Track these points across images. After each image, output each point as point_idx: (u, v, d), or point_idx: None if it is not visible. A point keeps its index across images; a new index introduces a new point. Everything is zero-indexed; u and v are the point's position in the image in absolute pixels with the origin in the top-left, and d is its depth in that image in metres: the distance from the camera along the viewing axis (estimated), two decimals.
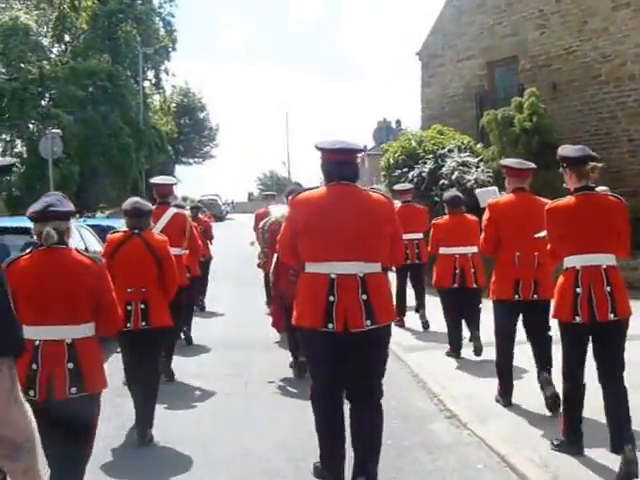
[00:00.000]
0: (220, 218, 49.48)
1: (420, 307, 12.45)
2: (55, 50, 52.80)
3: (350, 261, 5.19)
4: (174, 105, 75.76)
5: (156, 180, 10.19)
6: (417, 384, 9.18)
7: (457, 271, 9.94)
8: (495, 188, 9.76)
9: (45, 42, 51.73)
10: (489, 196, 8.28)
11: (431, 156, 18.22)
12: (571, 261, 5.89)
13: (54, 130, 27.62)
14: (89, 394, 4.88)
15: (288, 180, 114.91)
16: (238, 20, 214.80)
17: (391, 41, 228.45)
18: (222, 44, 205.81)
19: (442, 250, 10.20)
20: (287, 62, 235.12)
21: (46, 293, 4.83)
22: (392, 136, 21.85)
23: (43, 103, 44.69)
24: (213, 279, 16.13)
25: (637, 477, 5.32)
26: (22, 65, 42.69)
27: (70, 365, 4.80)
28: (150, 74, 58.94)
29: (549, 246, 6.24)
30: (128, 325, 6.86)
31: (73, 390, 4.78)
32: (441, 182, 17.32)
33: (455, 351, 10.19)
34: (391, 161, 19.12)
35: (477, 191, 9.86)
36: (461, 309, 10.17)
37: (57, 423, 4.46)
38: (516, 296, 7.28)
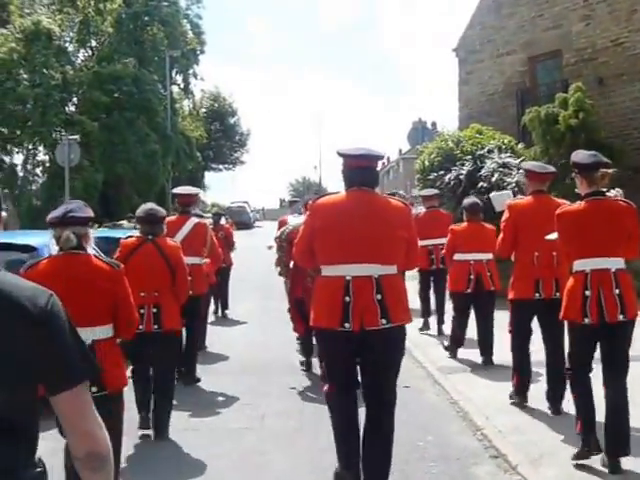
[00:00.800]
0: (248, 225, 48.31)
1: (440, 317, 12.59)
2: (80, 55, 52.03)
3: (365, 263, 5.36)
4: (204, 110, 75.01)
5: (178, 190, 10.64)
6: (457, 414, 8.18)
7: (472, 277, 10.06)
8: (510, 192, 10.05)
9: (70, 48, 50.98)
10: (504, 199, 8.70)
11: (469, 157, 16.88)
12: (580, 265, 6.08)
13: (71, 137, 26.39)
14: (108, 393, 4.99)
15: (319, 186, 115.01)
16: (269, 25, 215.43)
17: (426, 39, 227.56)
18: (253, 49, 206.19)
19: (457, 256, 10.32)
20: (319, 66, 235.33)
21: (63, 297, 4.11)
22: (428, 137, 20.59)
23: (67, 110, 43.81)
24: (235, 288, 16.12)
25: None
26: (45, 71, 41.80)
27: None
28: (178, 78, 57.87)
29: (562, 252, 6.62)
30: (140, 327, 6.76)
31: (93, 389, 4.52)
32: (480, 185, 15.98)
33: (454, 350, 10.55)
34: (426, 163, 17.80)
35: (492, 195, 10.00)
36: (471, 314, 10.46)
37: None
38: (537, 295, 7.48)
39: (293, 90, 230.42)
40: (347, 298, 5.33)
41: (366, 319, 5.30)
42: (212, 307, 14.32)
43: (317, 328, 5.70)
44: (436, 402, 8.74)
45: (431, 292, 12.84)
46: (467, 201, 10.81)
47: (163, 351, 7.40)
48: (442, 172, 16.85)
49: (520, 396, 7.91)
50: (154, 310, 7.32)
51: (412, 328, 11.14)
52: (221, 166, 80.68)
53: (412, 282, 14.98)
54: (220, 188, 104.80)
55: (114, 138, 42.47)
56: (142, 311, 7.09)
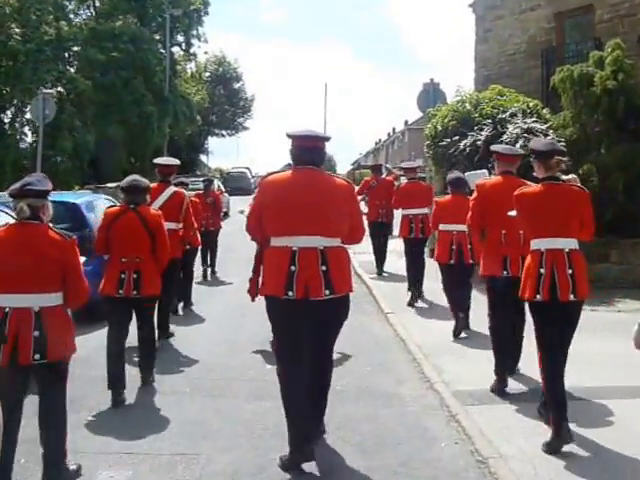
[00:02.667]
0: (248, 192, 46.25)
1: (418, 282, 13.14)
2: (82, 13, 49.91)
3: (311, 235, 5.75)
4: (207, 74, 72.77)
5: (159, 160, 11.19)
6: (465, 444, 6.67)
7: (454, 247, 10.50)
8: (485, 171, 10.24)
9: (71, 5, 48.79)
10: (478, 178, 8.96)
11: (489, 121, 14.75)
12: (536, 244, 6.40)
13: (47, 90, 24.33)
14: (50, 361, 5.28)
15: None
16: None
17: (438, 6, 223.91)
18: (260, 19, 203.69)
19: (441, 227, 10.81)
20: (326, 37, 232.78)
21: (14, 263, 5.28)
22: (440, 100, 18.24)
23: (60, 67, 41.46)
24: (225, 250, 17.08)
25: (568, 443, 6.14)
26: (39, 26, 39.63)
27: (36, 333, 5.23)
28: (180, 39, 55.53)
29: (522, 230, 6.97)
30: (120, 292, 7.60)
31: (37, 357, 5.21)
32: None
33: (456, 327, 10.42)
34: (439, 128, 15.65)
35: (467, 173, 10.55)
36: (457, 284, 10.66)
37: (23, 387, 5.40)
38: (504, 272, 7.79)
39: (299, 59, 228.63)
40: (293, 267, 5.66)
41: (310, 289, 5.65)
42: (200, 270, 15.89)
43: (264, 295, 5.96)
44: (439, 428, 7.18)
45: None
46: (451, 176, 11.20)
47: (143, 314, 8.02)
48: (457, 137, 14.77)
49: (499, 382, 7.87)
50: (134, 276, 7.67)
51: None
52: (224, 131, 78.52)
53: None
54: (224, 154, 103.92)
55: (108, 98, 40.56)
56: (123, 276, 7.64)
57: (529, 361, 7.62)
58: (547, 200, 6.35)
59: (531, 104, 15.44)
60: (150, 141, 42.88)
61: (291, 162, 8.63)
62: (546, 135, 14.11)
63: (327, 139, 6.28)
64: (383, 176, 16.82)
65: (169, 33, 47.07)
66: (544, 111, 15.46)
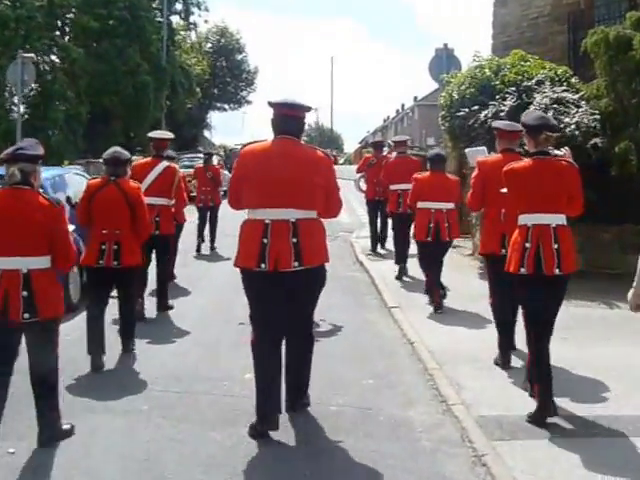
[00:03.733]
0: None
1: (403, 258, 13.25)
2: None
3: (283, 208, 5.77)
4: (209, 46, 70.87)
5: (152, 134, 11.10)
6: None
7: (431, 225, 10.47)
8: (484, 148, 9.95)
9: None
10: (478, 155, 8.85)
11: (513, 90, 12.96)
12: (524, 219, 6.44)
13: (27, 54, 22.56)
14: (40, 320, 5.50)
15: (331, 132, 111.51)
16: None
17: None
18: None
19: (420, 204, 10.72)
20: (333, 14, 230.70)
21: (4, 227, 5.45)
22: (455, 67, 16.42)
23: (52, 35, 39.51)
24: (225, 226, 16.06)
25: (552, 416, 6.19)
26: None
27: (24, 293, 5.44)
28: (179, 7, 53.55)
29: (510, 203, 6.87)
30: (100, 262, 7.89)
31: (26, 316, 5.44)
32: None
33: (437, 302, 10.52)
34: (455, 96, 13.86)
35: (467, 150, 10.17)
36: (433, 260, 10.77)
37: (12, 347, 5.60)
38: (503, 250, 7.52)
39: (307, 35, 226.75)
40: (265, 240, 5.74)
41: (280, 261, 5.71)
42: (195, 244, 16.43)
43: (238, 267, 5.99)
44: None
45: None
46: (431, 152, 11.55)
47: (123, 284, 8.19)
48: (476, 107, 12.98)
49: (503, 357, 7.88)
50: (114, 247, 7.86)
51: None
52: (226, 105, 76.50)
53: None
54: (228, 130, 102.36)
55: (102, 67, 38.74)
56: (103, 247, 7.86)
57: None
58: (535, 175, 6.36)
59: (559, 71, 13.65)
60: (146, 113, 41.08)
61: None
62: (578, 107, 12.37)
63: (308, 109, 6.28)
64: (384, 153, 16.18)
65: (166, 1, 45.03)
66: (573, 79, 13.67)
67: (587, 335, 9.19)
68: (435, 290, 10.63)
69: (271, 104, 6.10)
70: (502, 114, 12.50)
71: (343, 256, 16.19)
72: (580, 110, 12.23)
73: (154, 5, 47.37)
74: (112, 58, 38.96)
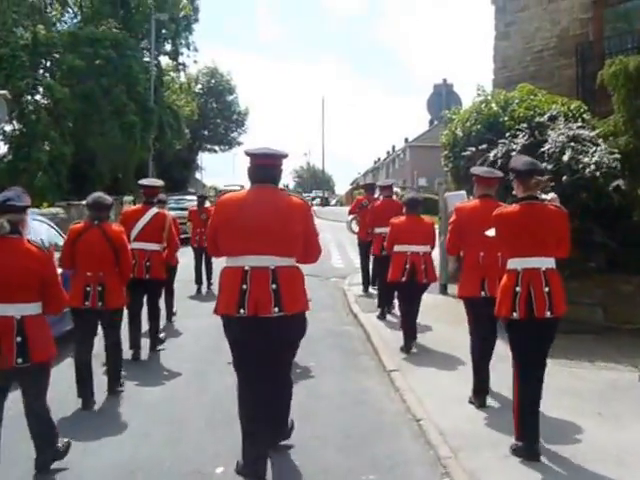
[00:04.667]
0: None
1: (386, 301, 13.32)
2: (66, 18, 47.03)
3: (263, 255, 5.83)
4: (199, 87, 69.96)
5: (143, 182, 11.28)
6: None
7: (407, 266, 10.57)
8: (463, 192, 10.85)
9: (53, 12, 45.95)
10: (457, 200, 9.60)
11: (524, 126, 11.77)
12: (513, 263, 6.54)
13: (1, 91, 21.36)
14: (34, 364, 5.69)
15: (322, 173, 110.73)
16: (276, 14, 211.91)
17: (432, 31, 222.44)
18: (256, 37, 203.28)
19: (396, 248, 10.81)
20: (323, 55, 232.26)
21: None
22: (454, 104, 15.16)
23: (37, 74, 38.30)
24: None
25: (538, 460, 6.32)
26: (14, 29, 36.71)
27: (18, 339, 5.62)
28: (167, 47, 52.36)
29: (501, 251, 7.11)
30: (86, 304, 8.04)
31: (19, 361, 5.62)
32: (543, 166, 10.99)
33: (407, 344, 10.63)
34: (459, 134, 12.72)
35: (446, 195, 11.61)
36: (409, 300, 10.83)
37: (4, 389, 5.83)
38: (482, 293, 7.88)
39: (296, 76, 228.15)
40: (244, 286, 5.79)
41: (260, 307, 5.75)
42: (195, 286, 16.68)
43: (219, 314, 6.01)
44: None
45: None
46: (407, 196, 11.71)
47: (108, 325, 8.47)
48: (484, 146, 11.79)
49: (477, 397, 8.01)
50: (99, 288, 8.09)
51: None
52: (216, 147, 75.45)
53: None
54: (219, 171, 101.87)
55: (87, 107, 37.51)
56: (88, 289, 8.08)
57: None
58: (525, 220, 6.46)
59: (572, 106, 12.49)
60: (132, 154, 39.81)
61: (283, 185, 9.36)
62: (596, 145, 11.17)
63: (283, 157, 6.21)
64: (376, 196, 15.77)
65: (154, 39, 43.84)
66: (586, 115, 12.50)
67: (621, 410, 7.95)
68: (408, 334, 10.69)
69: (248, 154, 6.13)
70: (513, 153, 11.30)
71: (335, 306, 15.07)
72: (599, 149, 11.02)
73: (142, 45, 46.33)
74: (98, 98, 37.75)
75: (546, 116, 11.92)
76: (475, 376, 8.07)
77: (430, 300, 12.61)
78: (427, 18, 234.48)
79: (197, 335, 11.98)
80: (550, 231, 6.47)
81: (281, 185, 8.45)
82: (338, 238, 29.77)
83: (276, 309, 5.75)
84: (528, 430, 6.40)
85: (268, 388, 6.01)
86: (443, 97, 16.52)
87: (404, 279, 10.54)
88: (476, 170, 8.58)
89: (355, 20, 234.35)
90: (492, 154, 11.56)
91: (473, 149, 12.03)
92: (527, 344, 6.42)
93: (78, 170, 37.51)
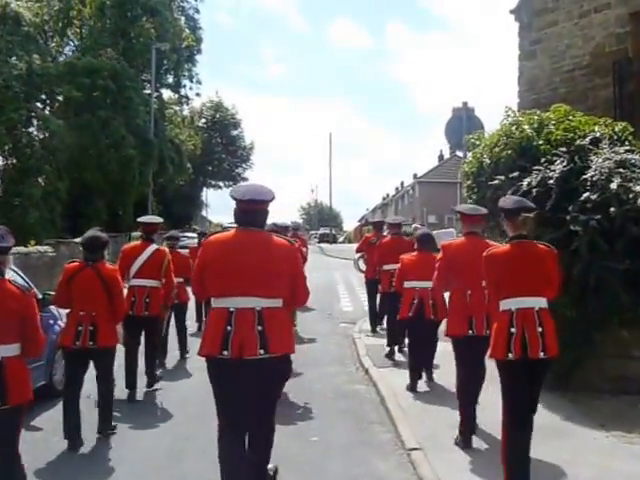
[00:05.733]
0: None
1: (395, 339, 12.83)
2: (65, 48, 45.88)
3: (248, 296, 5.74)
4: (203, 121, 68.72)
5: (142, 219, 11.34)
6: None
7: (415, 301, 10.35)
8: (452, 230, 11.60)
9: (52, 43, 44.81)
10: (447, 237, 10.14)
11: (563, 150, 10.04)
12: (506, 304, 6.42)
13: None
14: (11, 407, 5.54)
15: (330, 210, 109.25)
16: (281, 54, 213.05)
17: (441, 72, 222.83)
18: (262, 77, 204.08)
19: (406, 284, 10.64)
20: (330, 95, 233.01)
21: None
22: (476, 129, 13.39)
23: (32, 106, 36.70)
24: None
25: None
26: (8, 59, 35.32)
27: None
28: (169, 78, 50.98)
29: (487, 290, 7.09)
30: (77, 343, 7.99)
31: None
32: (585, 196, 9.27)
33: (412, 384, 10.39)
34: (486, 161, 10.98)
35: (434, 232, 11.26)
36: (420, 340, 10.51)
37: None
38: (470, 331, 7.81)
39: (302, 114, 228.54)
40: (229, 327, 5.67)
41: (245, 348, 5.62)
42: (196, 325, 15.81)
43: (202, 356, 5.88)
44: None
45: None
46: (419, 232, 11.46)
47: (99, 364, 8.25)
48: (516, 174, 10.06)
49: (464, 440, 7.81)
50: (91, 328, 8.00)
51: None
52: (221, 182, 74.10)
53: None
54: (225, 208, 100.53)
55: (84, 140, 36.02)
56: (80, 328, 8.02)
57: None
58: (515, 260, 6.43)
59: (617, 127, 10.76)
60: (131, 189, 38.26)
61: (275, 222, 9.27)
62: None
63: (268, 201, 6.10)
64: (385, 233, 15.45)
65: (155, 69, 42.33)
66: (631, 138, 10.79)
67: None
68: (415, 374, 10.46)
69: (233, 198, 6.06)
70: (551, 182, 9.61)
71: (344, 360, 13.30)
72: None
73: (143, 77, 44.97)
74: (95, 130, 36.38)
75: (587, 139, 10.19)
76: (461, 416, 7.97)
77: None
78: (435, 49, 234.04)
79: (194, 375, 11.47)
80: (541, 270, 6.46)
81: (289, 222, 9.33)
82: (347, 278, 28.17)
83: (262, 351, 5.67)
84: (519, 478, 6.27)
85: (250, 434, 5.94)
86: (463, 122, 14.80)
87: (411, 314, 10.39)
88: (460, 208, 8.74)
89: (360, 55, 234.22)
90: (525, 183, 9.80)
91: (502, 178, 10.28)
92: (520, 386, 6.32)
93: (73, 206, 36.08)
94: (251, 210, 5.97)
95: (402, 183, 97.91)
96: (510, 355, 6.25)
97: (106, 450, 7.89)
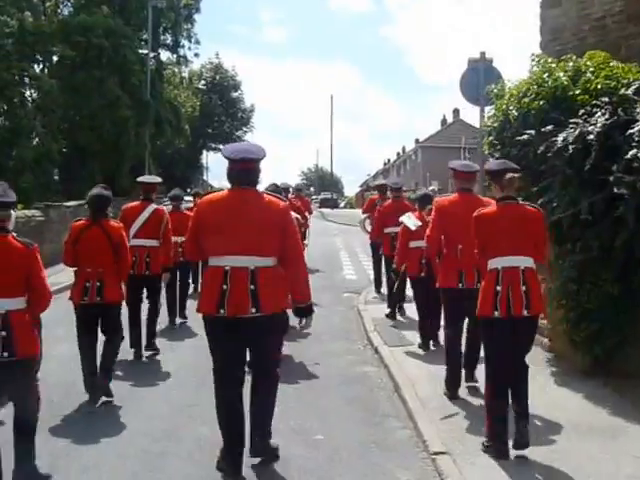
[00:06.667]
0: None
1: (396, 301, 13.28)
2: (61, 10, 44.16)
3: (242, 255, 5.90)
4: (203, 83, 67.21)
5: (142, 179, 11.59)
6: None
7: (423, 261, 10.38)
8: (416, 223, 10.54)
9: (48, 2, 43.14)
10: (409, 219, 10.73)
11: (604, 101, 8.76)
12: (493, 263, 6.58)
13: None
14: (20, 359, 5.65)
15: (331, 175, 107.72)
16: (279, 15, 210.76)
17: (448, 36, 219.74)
18: (263, 39, 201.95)
19: (411, 244, 10.70)
20: (330, 58, 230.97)
21: None
22: (494, 80, 11.93)
23: (23, 65, 35.20)
24: None
25: (527, 447, 6.24)
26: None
27: (3, 333, 5.60)
28: (169, 41, 49.34)
29: (476, 249, 6.92)
30: (85, 299, 8.19)
31: (5, 355, 5.58)
32: (631, 154, 7.98)
33: (424, 343, 10.64)
34: (513, 112, 9.68)
35: (401, 218, 11.07)
36: (430, 299, 10.29)
37: None
38: (460, 284, 8.06)
39: (302, 78, 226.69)
40: (224, 286, 5.85)
41: (238, 307, 5.84)
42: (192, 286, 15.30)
43: (200, 313, 6.12)
44: None
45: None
46: (419, 193, 11.82)
47: (106, 319, 8.39)
48: (549, 127, 8.80)
49: (451, 391, 8.19)
50: (98, 284, 8.16)
51: None
52: (221, 146, 72.56)
53: None
54: (225, 171, 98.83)
55: (78, 101, 34.62)
56: (87, 284, 8.19)
57: None
58: (502, 220, 6.56)
59: None
60: (126, 150, 36.86)
61: (275, 183, 10.35)
62: None
63: (259, 159, 6.17)
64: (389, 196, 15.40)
65: (151, 26, 40.74)
66: None
67: None
68: (426, 333, 10.68)
69: (226, 158, 6.13)
70: (590, 137, 8.33)
71: (349, 334, 12.25)
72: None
73: (140, 37, 43.33)
74: (89, 90, 34.87)
75: (632, 88, 8.89)
76: (449, 366, 8.31)
77: None
78: (436, 8, 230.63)
79: (191, 335, 11.93)
80: (528, 231, 6.56)
81: (269, 184, 10.01)
82: (349, 244, 27.01)
83: (253, 310, 5.84)
84: (496, 422, 6.40)
85: (253, 383, 6.22)
86: (481, 74, 13.37)
87: (423, 274, 10.45)
88: (454, 164, 8.67)
89: (362, 20, 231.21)
90: (560, 138, 8.54)
91: (532, 132, 9.01)
92: (503, 343, 6.43)
93: (67, 169, 34.75)
94: (243, 169, 6.04)
95: (404, 148, 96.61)
96: (496, 313, 6.39)
97: (112, 408, 8.08)
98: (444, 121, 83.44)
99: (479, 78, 13.32)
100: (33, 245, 5.90)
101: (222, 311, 5.82)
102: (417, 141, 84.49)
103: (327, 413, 7.85)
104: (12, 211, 5.90)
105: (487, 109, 12.44)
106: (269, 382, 6.24)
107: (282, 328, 6.45)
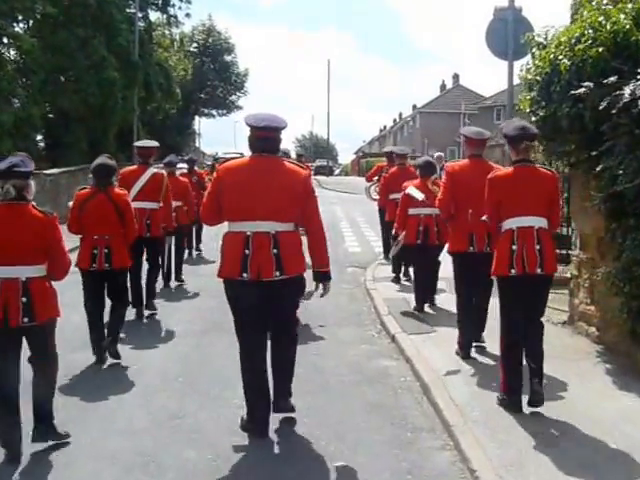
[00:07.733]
0: None
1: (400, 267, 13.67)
2: None
3: (264, 220, 6.05)
4: (195, 46, 65.34)
5: (138, 143, 12.10)
6: None
7: (421, 229, 10.67)
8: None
9: None
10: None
11: None
12: (509, 223, 6.67)
13: None
14: (38, 324, 5.82)
15: (327, 142, 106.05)
16: None
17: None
18: (254, 2, 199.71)
19: (410, 211, 10.86)
20: (323, 22, 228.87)
21: (4, 240, 5.71)
22: (526, 30, 10.38)
23: (1, 22, 33.49)
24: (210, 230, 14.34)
25: (542, 403, 6.36)
26: None
27: (24, 299, 5.75)
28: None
29: (486, 213, 6.99)
30: (94, 265, 8.35)
31: (25, 320, 5.75)
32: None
33: (419, 305, 10.79)
34: (565, 62, 8.12)
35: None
36: (425, 266, 10.91)
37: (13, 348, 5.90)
38: (470, 248, 8.16)
39: (298, 45, 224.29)
40: (247, 251, 6.01)
41: (262, 271, 6.00)
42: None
43: (223, 279, 6.23)
44: None
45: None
46: (421, 160, 11.95)
47: (113, 284, 8.59)
48: (612, 79, 7.27)
49: (463, 351, 8.33)
50: (105, 251, 8.35)
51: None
52: (214, 111, 70.94)
53: None
54: (221, 140, 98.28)
55: (60, 61, 32.87)
56: (95, 251, 8.36)
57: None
58: (517, 182, 6.62)
59: None
60: (113, 115, 35.16)
61: (284, 150, 10.35)
62: None
63: (282, 128, 6.31)
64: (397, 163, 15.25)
65: None
66: None
67: None
68: (420, 294, 10.83)
69: (248, 124, 6.23)
70: None
71: (360, 318, 10.96)
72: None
73: None
74: (73, 50, 33.08)
75: None
76: (461, 327, 8.45)
77: None
78: None
79: (194, 295, 12.69)
80: (541, 192, 6.60)
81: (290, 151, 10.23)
82: (350, 214, 25.51)
83: (277, 273, 6.02)
84: (512, 374, 6.55)
85: (273, 342, 6.41)
86: (509, 24, 11.80)
87: (419, 241, 10.68)
88: (465, 131, 8.85)
89: None
90: (628, 91, 7.00)
91: (591, 85, 7.53)
92: (519, 300, 6.55)
93: (50, 134, 33.11)
94: (266, 137, 6.18)
95: (400, 114, 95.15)
96: (513, 271, 6.50)
97: (119, 366, 8.35)
98: (443, 86, 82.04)
99: (507, 29, 11.79)
100: (53, 214, 6.01)
101: (245, 275, 5.99)
102: (415, 107, 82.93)
103: (345, 427, 6.36)
104: (31, 181, 5.99)
105: (516, 64, 11.06)
106: (290, 340, 6.52)
107: (301, 290, 6.65)
